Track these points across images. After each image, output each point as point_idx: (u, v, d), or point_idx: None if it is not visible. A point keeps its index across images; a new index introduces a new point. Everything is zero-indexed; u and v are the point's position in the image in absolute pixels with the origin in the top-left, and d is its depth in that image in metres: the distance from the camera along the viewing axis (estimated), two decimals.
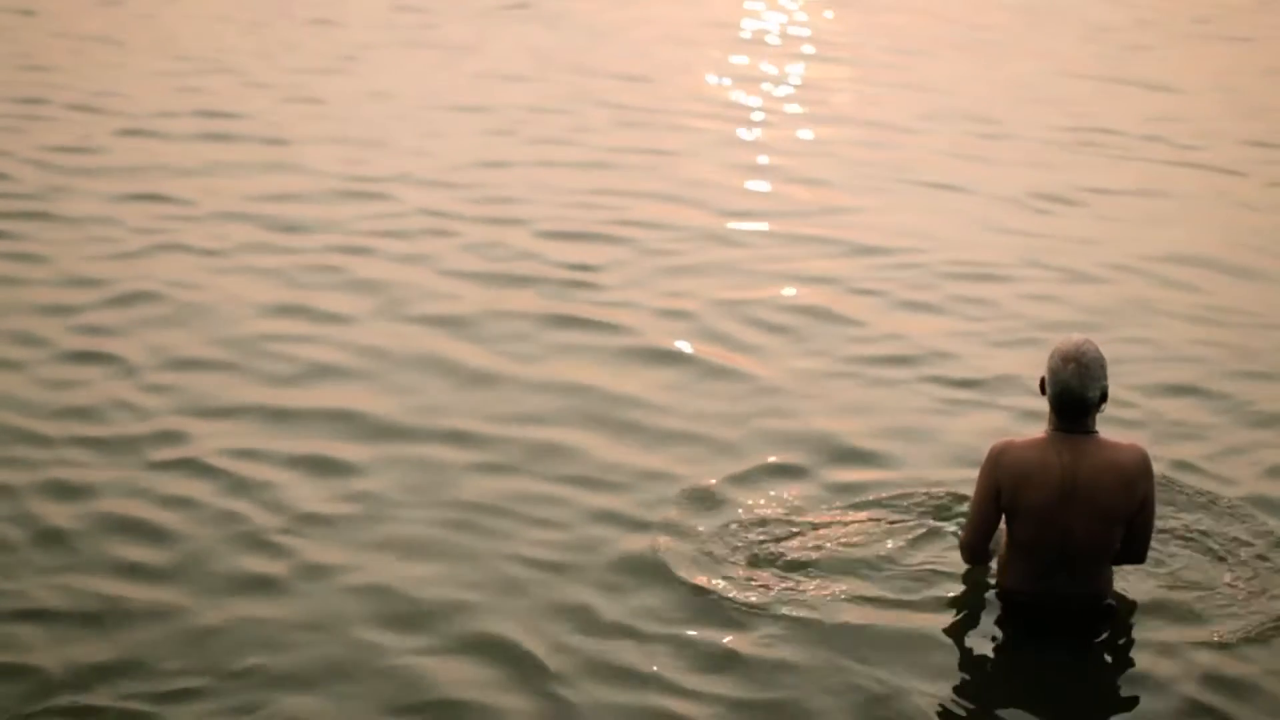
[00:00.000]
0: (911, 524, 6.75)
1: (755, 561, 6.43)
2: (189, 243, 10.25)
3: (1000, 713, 5.62)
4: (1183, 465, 7.40)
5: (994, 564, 6.22)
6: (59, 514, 6.62)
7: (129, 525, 6.57)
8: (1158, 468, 6.12)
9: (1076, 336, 5.79)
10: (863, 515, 6.86)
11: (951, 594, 6.24)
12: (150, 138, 12.94)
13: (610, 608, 6.13)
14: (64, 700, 5.37)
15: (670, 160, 12.75)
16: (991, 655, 5.97)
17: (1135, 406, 8.08)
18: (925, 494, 7.02)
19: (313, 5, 19.30)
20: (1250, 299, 9.99)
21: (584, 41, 17.26)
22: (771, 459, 7.44)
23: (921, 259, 10.49)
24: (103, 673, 5.53)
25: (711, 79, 16.09)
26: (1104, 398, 5.79)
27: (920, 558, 6.48)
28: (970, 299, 9.77)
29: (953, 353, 8.87)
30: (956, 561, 6.31)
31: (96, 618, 5.88)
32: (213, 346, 8.47)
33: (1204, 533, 6.74)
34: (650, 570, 6.39)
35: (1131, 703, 5.67)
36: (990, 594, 6.16)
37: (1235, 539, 6.69)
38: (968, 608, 6.17)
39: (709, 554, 6.49)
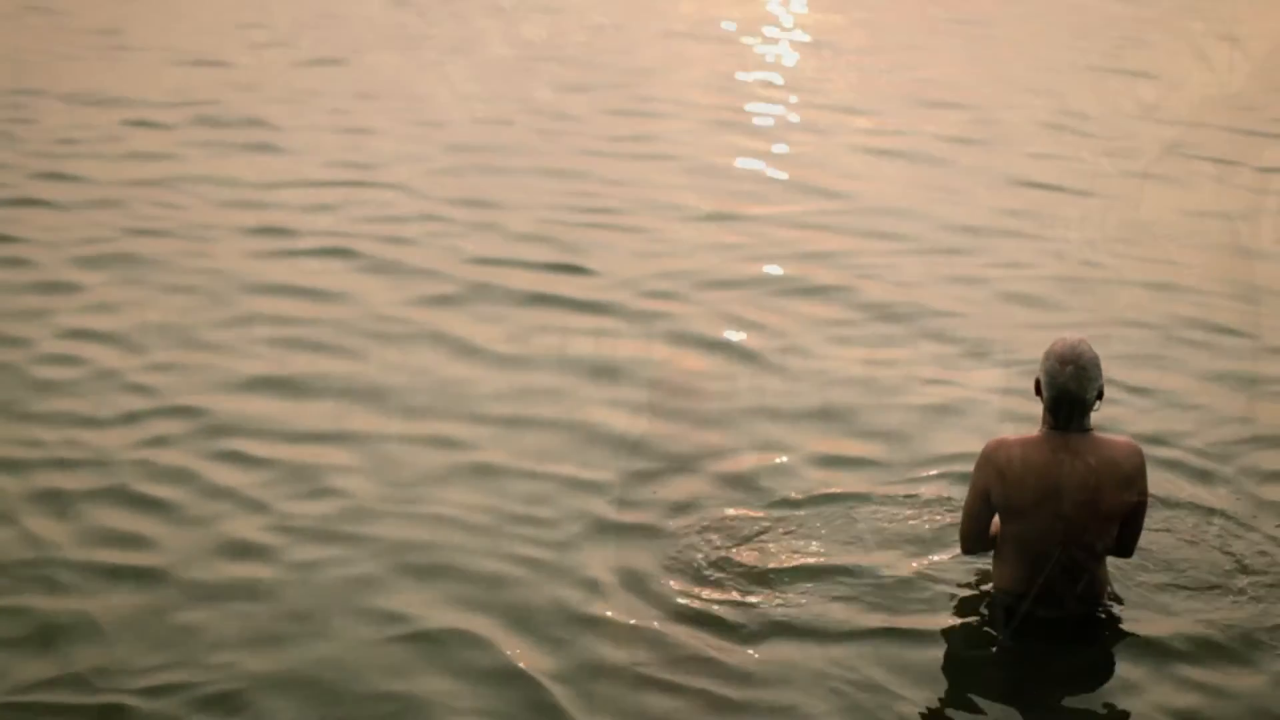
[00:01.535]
0: (906, 514, 6.71)
1: (742, 552, 6.38)
2: (185, 230, 10.32)
3: (992, 713, 5.60)
4: (1171, 449, 7.47)
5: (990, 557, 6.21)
6: (58, 490, 6.70)
7: (122, 501, 6.61)
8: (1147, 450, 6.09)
9: (1071, 337, 5.69)
10: (854, 504, 6.84)
11: (944, 592, 6.23)
12: (149, 128, 13.03)
13: (594, 595, 6.09)
14: (54, 673, 5.40)
15: (663, 149, 12.81)
16: (984, 654, 5.95)
17: (1118, 384, 8.14)
18: (920, 481, 7.01)
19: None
20: (1233, 276, 10.10)
21: (578, 36, 17.32)
22: (762, 442, 7.46)
23: (912, 245, 10.56)
24: (92, 649, 5.55)
25: (705, 71, 16.13)
26: (1100, 395, 5.74)
27: (913, 551, 6.43)
28: (962, 278, 9.84)
29: (947, 333, 8.95)
30: (951, 556, 6.30)
31: (88, 593, 5.90)
32: (209, 329, 8.54)
33: (1193, 514, 6.78)
34: (635, 553, 6.38)
35: (1128, 702, 5.64)
36: (984, 592, 6.14)
37: (1224, 516, 6.77)
38: (961, 607, 6.14)
39: (697, 541, 6.46)
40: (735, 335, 8.76)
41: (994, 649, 5.93)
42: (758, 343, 8.68)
